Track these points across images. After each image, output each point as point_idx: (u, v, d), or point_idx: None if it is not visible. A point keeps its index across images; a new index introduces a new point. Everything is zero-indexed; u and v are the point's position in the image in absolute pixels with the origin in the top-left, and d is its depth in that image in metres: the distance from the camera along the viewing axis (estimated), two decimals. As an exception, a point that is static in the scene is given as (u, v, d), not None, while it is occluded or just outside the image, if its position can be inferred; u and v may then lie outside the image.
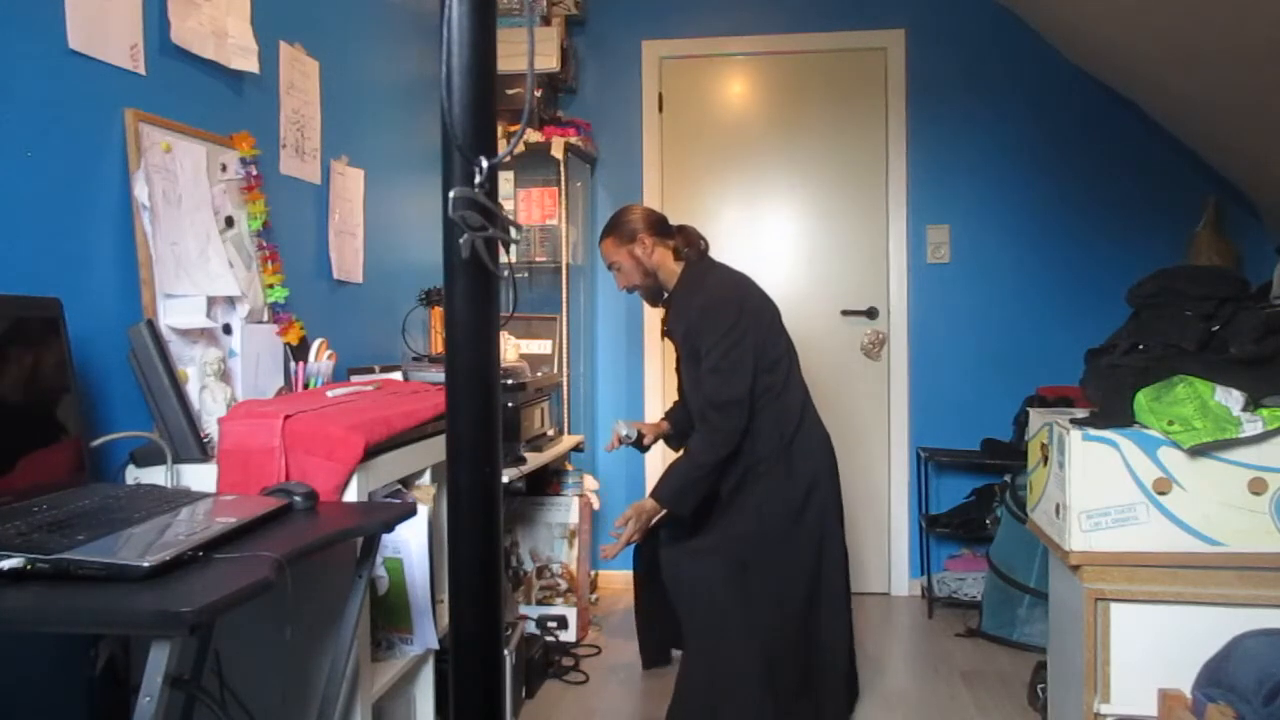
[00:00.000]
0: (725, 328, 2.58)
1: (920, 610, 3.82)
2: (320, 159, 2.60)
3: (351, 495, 1.74)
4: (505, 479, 2.73)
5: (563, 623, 3.32)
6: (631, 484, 4.19)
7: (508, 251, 1.02)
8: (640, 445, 3.03)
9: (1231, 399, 2.07)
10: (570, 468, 3.53)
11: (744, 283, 2.74)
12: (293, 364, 2.25)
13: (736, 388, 2.55)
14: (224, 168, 2.12)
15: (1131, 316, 2.38)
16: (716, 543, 2.53)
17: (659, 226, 2.81)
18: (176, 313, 1.91)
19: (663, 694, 2.99)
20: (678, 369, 2.86)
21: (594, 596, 3.82)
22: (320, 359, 2.28)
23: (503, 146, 0.95)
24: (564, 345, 3.77)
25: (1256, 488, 2.07)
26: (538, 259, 3.83)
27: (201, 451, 1.77)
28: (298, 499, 1.54)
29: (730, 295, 2.66)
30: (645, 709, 2.89)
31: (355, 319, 2.82)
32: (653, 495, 2.64)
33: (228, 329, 2.08)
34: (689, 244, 2.81)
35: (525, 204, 3.84)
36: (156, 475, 1.72)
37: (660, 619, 2.97)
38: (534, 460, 2.92)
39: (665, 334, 2.85)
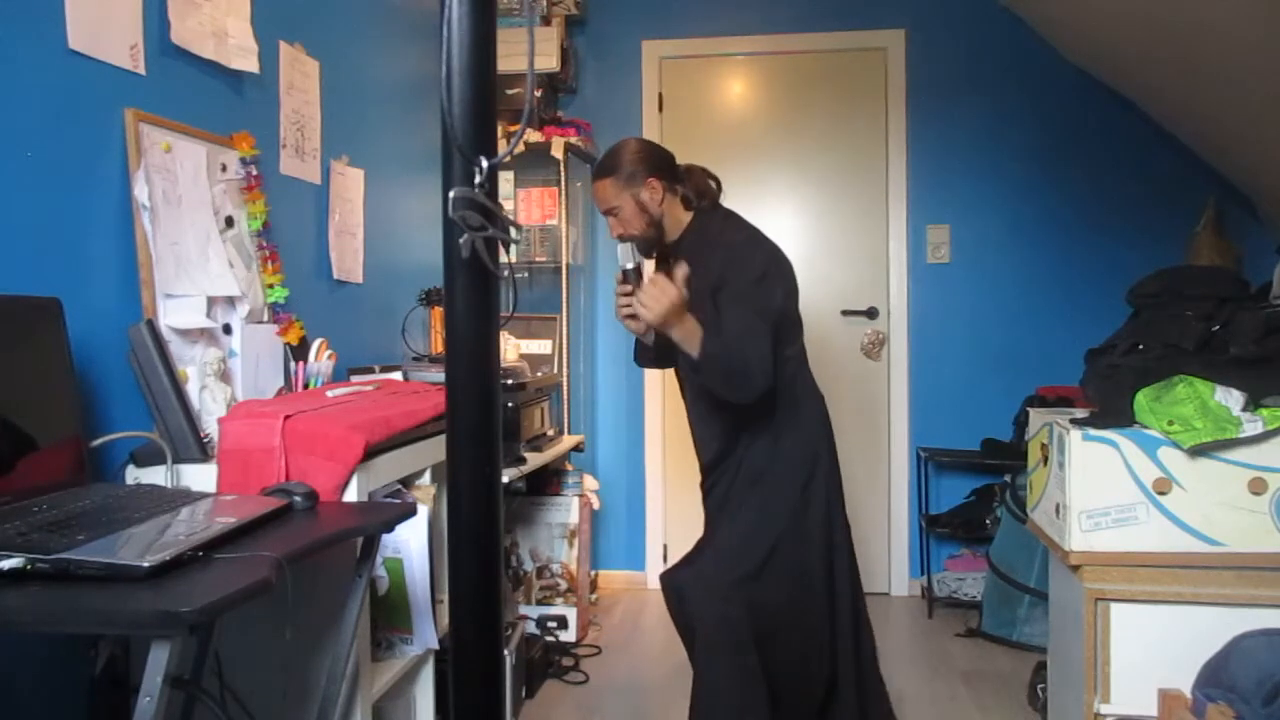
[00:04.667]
0: (758, 270, 2.27)
1: (920, 610, 3.82)
2: (320, 159, 2.60)
3: (351, 495, 1.74)
4: (505, 479, 2.73)
5: (563, 623, 3.32)
6: (632, 484, 4.19)
7: (508, 251, 1.02)
8: (637, 278, 2.32)
9: (1231, 399, 2.07)
10: (570, 468, 3.53)
11: (767, 236, 2.43)
12: (293, 364, 2.25)
13: (762, 335, 2.19)
14: (224, 168, 2.12)
15: (1131, 316, 2.38)
16: (738, 560, 2.25)
17: (668, 169, 2.41)
18: (176, 313, 1.91)
19: (663, 693, 2.99)
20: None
21: (594, 596, 3.82)
22: (320, 359, 2.28)
23: (503, 146, 0.95)
24: (564, 345, 3.76)
25: (1256, 488, 2.07)
26: (538, 259, 3.83)
27: (201, 451, 1.77)
28: (298, 499, 1.54)
29: (760, 243, 2.37)
30: (645, 709, 2.89)
31: (355, 319, 2.82)
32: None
33: (228, 329, 2.08)
34: (700, 192, 2.45)
35: (525, 204, 3.84)
36: (156, 475, 1.72)
37: None
38: (534, 460, 2.92)
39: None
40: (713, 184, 2.47)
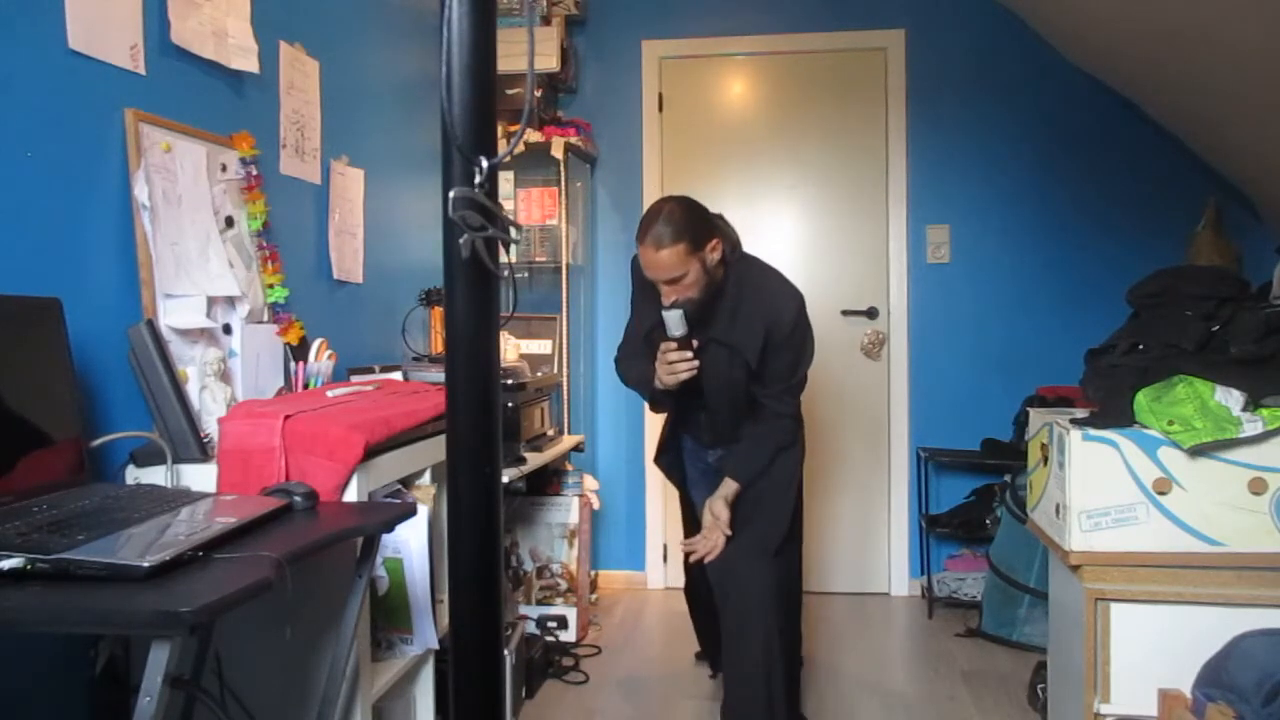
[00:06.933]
0: (805, 321, 2.51)
1: (920, 610, 3.82)
2: (320, 159, 2.60)
3: (351, 495, 1.74)
4: (505, 479, 2.73)
5: (563, 623, 3.32)
6: (632, 484, 4.19)
7: (508, 251, 1.02)
8: (690, 344, 2.41)
9: (1231, 399, 2.07)
10: (570, 468, 3.53)
11: (779, 270, 2.62)
12: (293, 364, 2.25)
13: (800, 392, 2.61)
14: (224, 168, 2.12)
15: (1131, 316, 2.38)
16: (763, 538, 2.51)
17: (714, 222, 2.47)
18: (176, 313, 1.91)
19: (663, 693, 2.99)
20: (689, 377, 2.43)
21: (594, 596, 3.82)
22: (320, 359, 2.28)
23: (503, 146, 0.95)
24: (564, 345, 3.77)
25: (1256, 488, 2.07)
26: (538, 259, 3.83)
27: (201, 451, 1.77)
28: (298, 499, 1.54)
29: (792, 291, 2.52)
30: (645, 709, 2.89)
31: (355, 319, 2.82)
32: (732, 477, 2.52)
33: (228, 329, 2.08)
34: (734, 243, 2.53)
35: (525, 204, 3.84)
36: (156, 475, 1.72)
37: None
38: (534, 460, 2.92)
39: (708, 341, 2.46)
40: (735, 234, 2.60)
